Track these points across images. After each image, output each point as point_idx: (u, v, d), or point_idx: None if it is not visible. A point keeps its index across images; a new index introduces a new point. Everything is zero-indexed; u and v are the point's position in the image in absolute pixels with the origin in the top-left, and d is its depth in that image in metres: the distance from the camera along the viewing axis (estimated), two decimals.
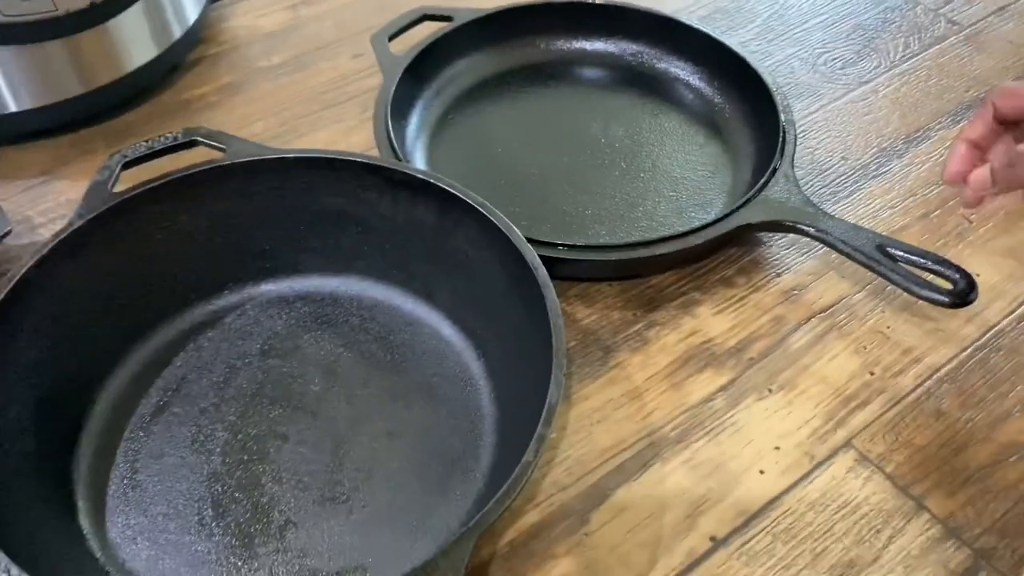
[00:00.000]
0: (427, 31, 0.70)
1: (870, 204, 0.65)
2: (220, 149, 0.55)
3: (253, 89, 0.73)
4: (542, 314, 0.47)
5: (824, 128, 0.71)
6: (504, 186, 0.64)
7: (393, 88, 0.64)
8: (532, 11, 0.73)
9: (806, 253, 0.61)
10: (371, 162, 0.54)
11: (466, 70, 0.72)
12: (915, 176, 0.67)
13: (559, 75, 0.73)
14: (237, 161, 0.54)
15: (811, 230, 0.56)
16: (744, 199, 0.57)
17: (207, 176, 0.53)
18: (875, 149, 0.69)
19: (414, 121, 0.68)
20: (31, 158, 0.68)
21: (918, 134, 0.71)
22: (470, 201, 0.52)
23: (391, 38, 0.69)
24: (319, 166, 0.54)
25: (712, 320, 0.57)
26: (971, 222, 0.64)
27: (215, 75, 0.74)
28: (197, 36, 0.76)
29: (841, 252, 0.55)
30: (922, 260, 0.54)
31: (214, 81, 0.74)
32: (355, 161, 0.54)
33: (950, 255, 0.61)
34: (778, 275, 0.60)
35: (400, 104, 0.65)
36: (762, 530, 0.48)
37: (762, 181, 0.58)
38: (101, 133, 0.69)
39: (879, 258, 0.54)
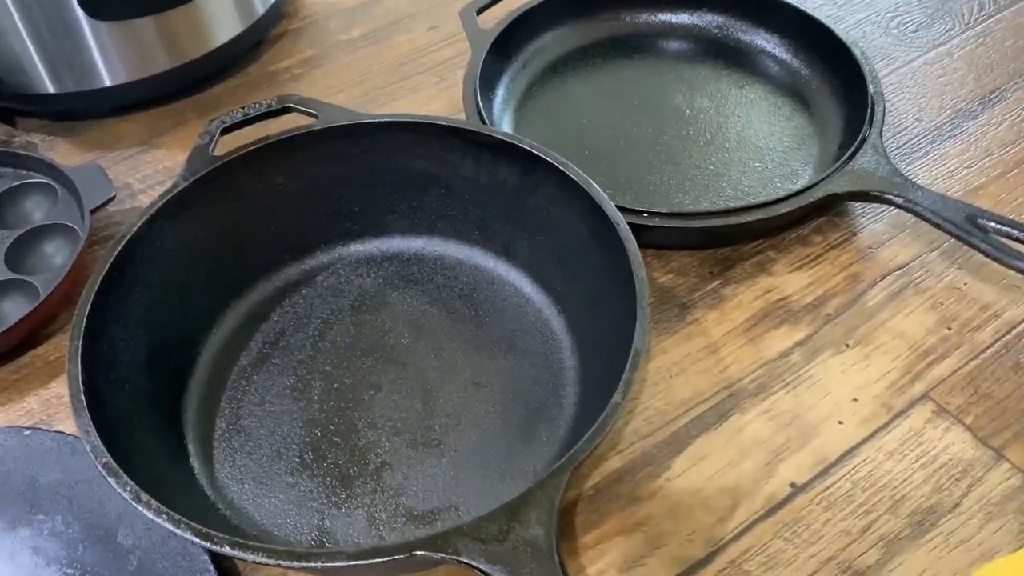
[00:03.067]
0: (513, 5, 0.71)
1: (946, 164, 0.65)
2: (312, 115, 0.57)
3: (334, 62, 0.76)
4: (623, 267, 0.48)
5: (898, 90, 0.71)
6: (588, 156, 0.65)
7: (481, 61, 0.66)
8: None
9: (881, 213, 0.62)
10: (455, 125, 0.56)
11: (551, 43, 0.73)
12: (992, 136, 0.67)
13: (643, 48, 0.74)
14: (330, 126, 0.56)
15: (899, 200, 0.56)
16: (832, 169, 0.58)
17: (302, 140, 0.56)
18: (950, 111, 0.69)
19: (500, 93, 0.70)
20: (128, 129, 0.71)
21: (994, 95, 0.70)
22: (551, 160, 0.53)
23: (479, 11, 0.70)
24: (406, 130, 0.56)
25: (788, 278, 0.59)
26: None
27: (297, 49, 0.77)
28: (279, 12, 0.79)
29: (930, 222, 0.56)
30: (1016, 232, 0.54)
31: (296, 55, 0.77)
32: (440, 124, 0.56)
33: None
34: (854, 234, 0.61)
35: (487, 76, 0.67)
36: (842, 477, 0.49)
37: (850, 151, 0.59)
38: (192, 105, 0.73)
39: (970, 229, 0.54)
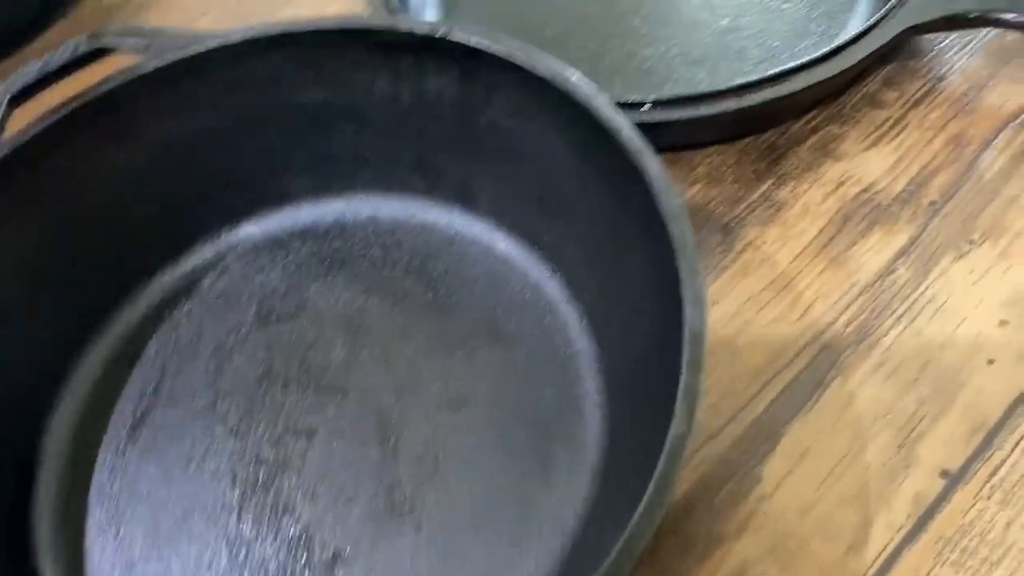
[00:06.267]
0: None
1: None
2: (141, 50, 0.39)
3: None
4: (640, 199, 0.31)
5: None
6: (551, 40, 0.47)
7: None
8: None
9: (973, 42, 0.44)
10: (350, 25, 0.37)
11: None
12: None
13: None
14: (166, 62, 0.38)
15: (1010, 17, 0.39)
16: None
17: (129, 91, 0.37)
18: None
19: None
20: None
21: None
22: (501, 53, 0.35)
23: None
24: (280, 46, 0.38)
25: (865, 158, 0.41)
26: None
27: None
28: None
29: None
30: None
31: None
32: (327, 29, 0.37)
33: None
34: (941, 79, 0.43)
35: None
36: (1015, 448, 0.33)
37: None
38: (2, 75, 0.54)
39: None
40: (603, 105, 0.33)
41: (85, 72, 0.40)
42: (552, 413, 0.35)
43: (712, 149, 0.42)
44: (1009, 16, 0.39)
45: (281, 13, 0.52)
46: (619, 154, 0.32)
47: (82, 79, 0.39)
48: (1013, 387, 0.34)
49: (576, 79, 0.34)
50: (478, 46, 0.36)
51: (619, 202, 0.33)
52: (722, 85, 0.39)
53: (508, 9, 0.49)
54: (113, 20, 0.55)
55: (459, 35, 0.36)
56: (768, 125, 0.42)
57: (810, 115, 0.42)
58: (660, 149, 0.42)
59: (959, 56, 0.44)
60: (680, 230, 0.29)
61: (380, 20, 0.39)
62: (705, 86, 0.43)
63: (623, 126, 0.32)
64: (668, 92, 0.43)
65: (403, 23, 0.37)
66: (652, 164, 0.31)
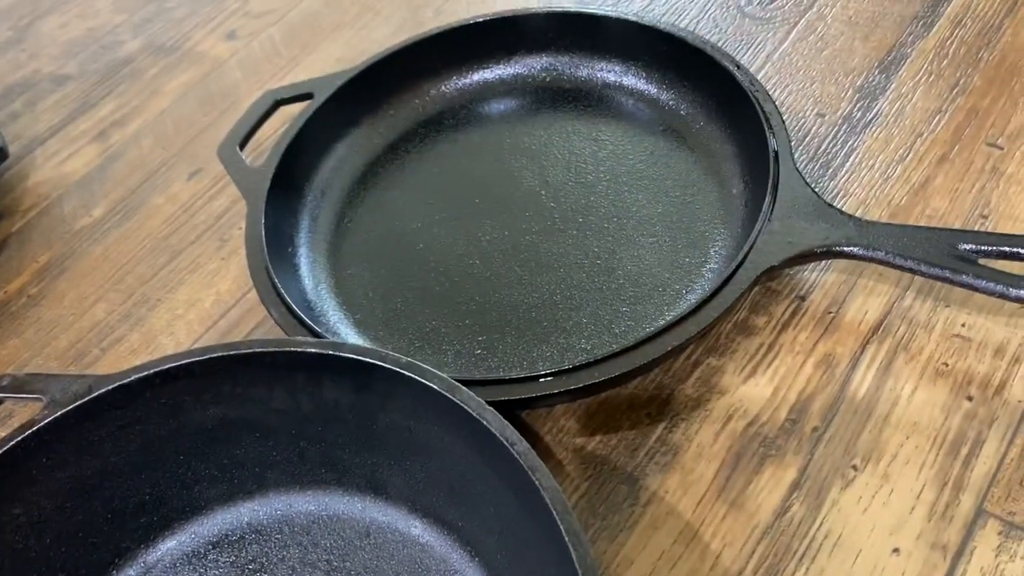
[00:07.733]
0: (282, 121, 0.55)
1: (874, 166, 0.52)
2: (36, 400, 0.39)
3: (80, 260, 0.57)
4: (542, 509, 0.33)
5: (780, 83, 0.57)
6: (441, 296, 0.49)
7: (263, 212, 0.49)
8: (405, 56, 0.57)
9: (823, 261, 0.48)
10: (237, 352, 0.39)
11: (349, 154, 0.56)
12: (911, 109, 0.54)
13: (464, 121, 0.58)
14: (61, 413, 0.38)
15: (856, 250, 0.42)
16: (755, 234, 0.43)
17: (29, 449, 0.38)
18: (851, 91, 0.56)
19: (303, 242, 0.52)
20: None
21: (891, 55, 0.57)
22: (388, 366, 0.37)
23: (243, 144, 0.54)
24: (175, 379, 0.39)
25: (745, 390, 0.44)
26: (1001, 148, 0.51)
27: (28, 257, 0.58)
28: None
29: (902, 269, 0.42)
30: (1011, 248, 0.41)
31: (29, 266, 0.57)
32: (217, 357, 0.39)
33: (993, 198, 0.49)
34: (803, 298, 0.47)
35: (278, 228, 0.51)
36: None
37: (767, 197, 0.44)
38: None
39: (955, 265, 0.40)
40: (492, 418, 0.35)
41: None
42: None
43: (606, 394, 0.44)
44: (850, 250, 0.43)
45: (172, 296, 0.54)
46: (516, 469, 0.33)
47: None
48: None
49: (466, 393, 0.35)
50: (368, 360, 0.37)
51: (523, 502, 0.35)
52: (609, 350, 0.41)
53: (397, 272, 0.51)
54: (2, 317, 0.54)
55: (346, 351, 0.38)
56: (653, 368, 0.45)
57: (687, 353, 0.45)
58: (560, 402, 0.44)
59: (816, 274, 0.47)
60: (583, 555, 0.31)
61: (265, 343, 0.39)
62: (589, 332, 0.46)
63: (515, 441, 0.34)
64: (557, 347, 0.45)
65: (293, 344, 0.39)
66: (546, 479, 0.33)
